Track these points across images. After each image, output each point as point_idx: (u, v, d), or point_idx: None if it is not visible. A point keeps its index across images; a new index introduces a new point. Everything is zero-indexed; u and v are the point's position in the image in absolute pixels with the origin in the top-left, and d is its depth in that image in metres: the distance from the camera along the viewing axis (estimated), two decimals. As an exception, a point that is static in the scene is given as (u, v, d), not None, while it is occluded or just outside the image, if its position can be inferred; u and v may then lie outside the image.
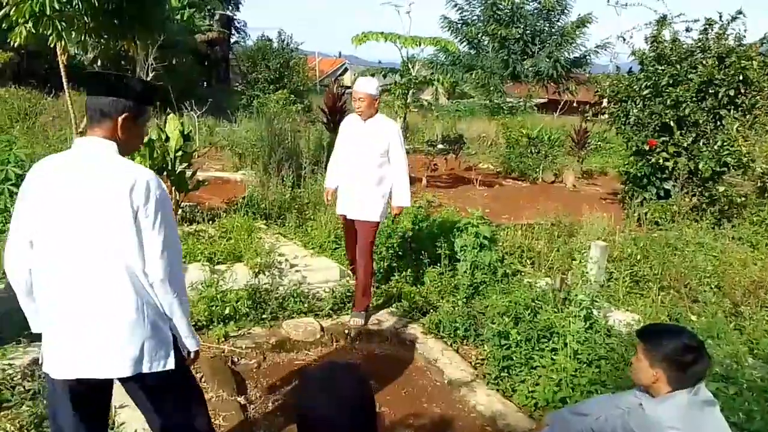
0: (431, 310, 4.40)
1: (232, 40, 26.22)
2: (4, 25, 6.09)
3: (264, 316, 4.12)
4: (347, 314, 4.35)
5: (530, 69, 21.05)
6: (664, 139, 7.81)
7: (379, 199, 4.26)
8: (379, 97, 4.25)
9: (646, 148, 7.90)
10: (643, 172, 8.07)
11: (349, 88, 23.92)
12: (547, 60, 20.77)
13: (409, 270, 4.98)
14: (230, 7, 29.73)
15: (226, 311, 4.01)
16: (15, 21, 5.86)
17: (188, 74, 18.53)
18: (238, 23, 30.38)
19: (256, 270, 4.58)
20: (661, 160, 7.73)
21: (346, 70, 36.17)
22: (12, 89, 12.51)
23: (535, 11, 21.49)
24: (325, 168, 8.32)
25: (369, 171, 4.22)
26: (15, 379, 3.11)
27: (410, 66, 11.35)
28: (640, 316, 4.23)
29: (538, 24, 21.43)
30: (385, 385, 3.54)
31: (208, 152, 10.70)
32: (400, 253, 5.33)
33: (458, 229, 5.24)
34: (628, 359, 3.33)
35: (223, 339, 3.80)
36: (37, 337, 3.37)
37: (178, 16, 18.02)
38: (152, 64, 15.25)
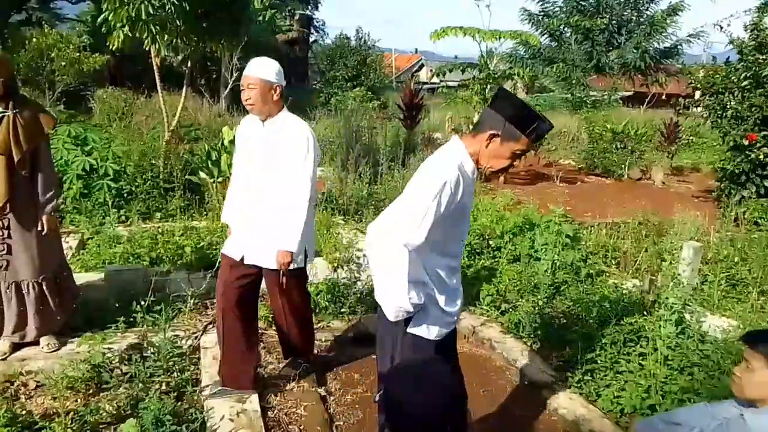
0: (510, 309, 4.31)
1: (311, 39, 26.82)
2: (103, 30, 6.52)
3: (343, 310, 4.18)
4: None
5: (616, 61, 20.19)
6: (765, 133, 7.26)
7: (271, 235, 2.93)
8: (279, 86, 2.87)
9: (745, 142, 7.38)
10: (741, 169, 7.54)
11: (426, 83, 23.90)
12: (635, 51, 19.84)
13: (486, 268, 4.90)
14: (309, 7, 30.44)
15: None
16: (113, 25, 6.26)
17: (271, 73, 19.14)
18: (317, 22, 31.07)
19: (335, 264, 4.66)
20: (761, 156, 7.19)
21: (422, 66, 36.14)
22: (109, 90, 13.37)
23: (622, 0, 20.56)
24: (403, 164, 8.42)
25: (268, 196, 2.92)
26: (113, 362, 3.31)
27: (488, 60, 11.17)
28: (737, 321, 3.95)
29: (624, 13, 20.52)
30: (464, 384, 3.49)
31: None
32: (477, 250, 5.26)
33: (538, 226, 5.11)
34: (725, 367, 3.12)
35: (303, 331, 3.88)
36: (132, 324, 3.61)
37: (261, 17, 18.69)
38: (236, 65, 15.88)
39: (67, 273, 3.57)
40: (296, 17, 24.05)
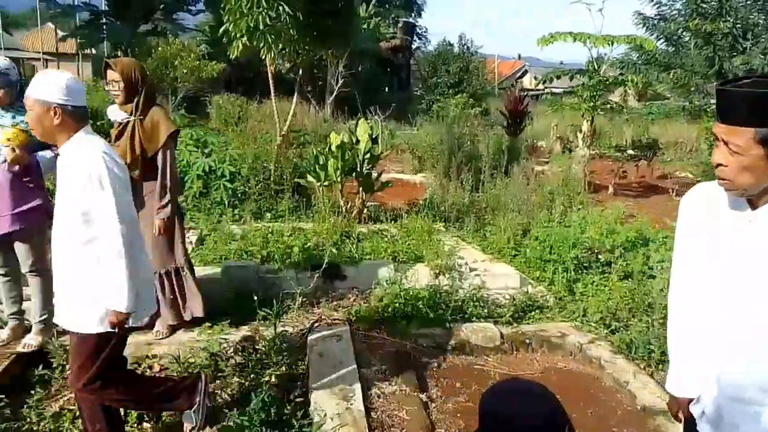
0: (621, 329, 4.10)
1: (413, 46, 27.06)
2: (224, 40, 6.96)
3: (444, 317, 4.16)
4: (528, 323, 4.23)
5: (740, 67, 18.64)
6: None
7: (87, 297, 2.33)
8: (61, 108, 2.26)
9: None
10: None
11: (530, 90, 23.38)
12: (762, 56, 18.24)
13: (596, 283, 4.70)
14: (413, 14, 30.74)
15: (409, 309, 4.13)
16: (233, 36, 6.66)
17: (372, 80, 19.54)
18: (420, 29, 31.29)
19: (437, 271, 4.66)
20: None
21: (525, 72, 35.38)
22: (225, 96, 14.22)
23: (748, 2, 19.00)
24: (505, 173, 8.29)
25: (68, 245, 2.35)
26: (228, 352, 3.51)
27: (597, 66, 10.73)
28: None
29: (751, 17, 18.93)
30: (569, 403, 3.36)
31: (389, 155, 11.17)
32: (585, 264, 5.06)
33: (653, 242, 4.83)
34: None
35: (405, 336, 3.92)
36: (251, 316, 3.80)
37: (365, 26, 19.14)
38: (341, 72, 16.36)
39: (189, 268, 3.78)
40: (399, 24, 24.37)
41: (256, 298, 3.79)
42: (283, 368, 3.44)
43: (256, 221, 6.06)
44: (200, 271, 4.42)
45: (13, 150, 3.20)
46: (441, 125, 10.66)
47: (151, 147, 3.46)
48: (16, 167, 3.27)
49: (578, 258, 5.02)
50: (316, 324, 3.96)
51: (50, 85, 2.27)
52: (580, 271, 4.98)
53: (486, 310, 4.31)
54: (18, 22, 36.84)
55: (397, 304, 4.19)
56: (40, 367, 3.23)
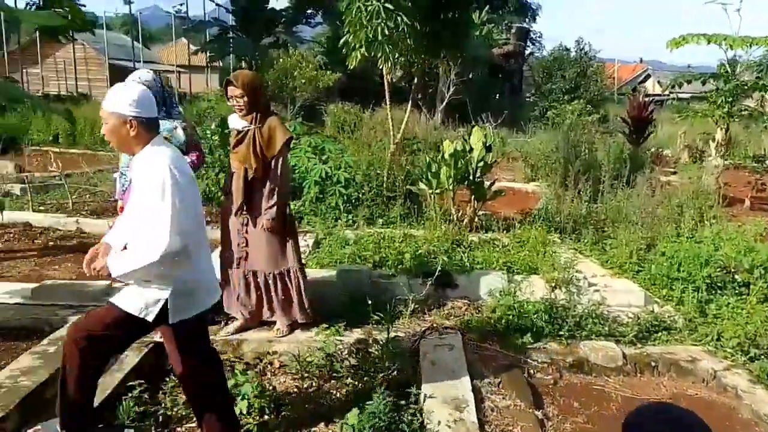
0: (762, 356, 3.72)
1: (527, 52, 26.46)
2: (343, 51, 7.18)
3: (561, 332, 4.00)
4: (653, 344, 3.96)
5: None
6: None
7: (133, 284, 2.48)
8: (135, 120, 2.40)
9: None
10: None
11: (654, 95, 21.99)
12: None
13: (732, 305, 4.30)
14: (527, 19, 30.07)
15: (523, 322, 4.02)
16: (352, 46, 6.86)
17: (483, 87, 19.33)
18: (534, 34, 30.55)
19: (553, 284, 4.50)
20: None
21: (648, 76, 33.35)
22: (339, 105, 14.72)
23: None
24: (627, 183, 7.83)
25: (126, 237, 2.56)
26: (343, 354, 3.60)
27: (732, 69, 9.85)
28: None
29: None
30: (701, 433, 3.11)
31: (500, 163, 10.97)
32: (718, 284, 4.65)
33: (803, 263, 4.35)
34: None
35: (519, 349, 3.82)
36: (364, 319, 3.88)
37: (477, 32, 18.97)
38: (453, 80, 16.36)
39: (299, 272, 3.84)
40: (513, 30, 23.94)
41: (370, 302, 3.88)
42: (395, 373, 3.47)
43: (369, 227, 6.19)
44: (316, 273, 4.60)
45: None
46: (556, 132, 10.31)
47: (270, 153, 3.66)
48: None
49: (711, 277, 4.63)
50: (428, 331, 3.95)
51: (123, 99, 2.40)
52: (713, 292, 4.59)
53: (606, 328, 4.09)
54: (155, 37, 40.67)
55: (510, 316, 4.09)
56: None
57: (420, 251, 5.08)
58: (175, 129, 3.80)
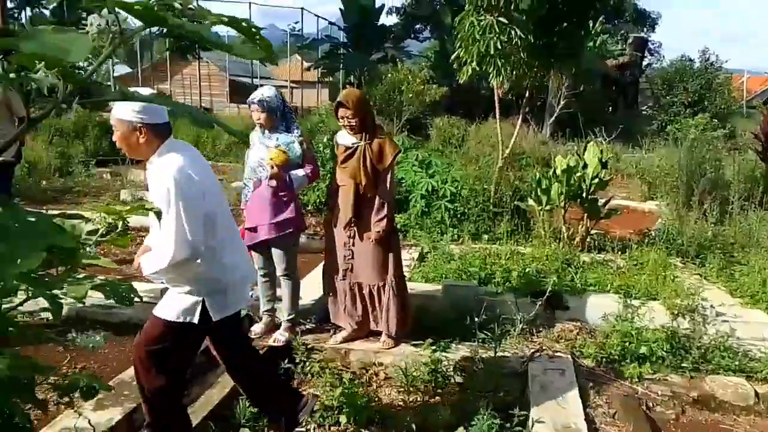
0: None
1: (644, 63, 25.10)
2: (454, 65, 7.19)
3: (683, 364, 3.72)
4: (793, 386, 3.57)
5: None
6: None
7: (173, 289, 2.59)
8: (144, 127, 2.44)
9: None
10: None
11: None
12: None
13: None
14: (645, 29, 28.57)
15: (641, 350, 3.78)
16: (464, 61, 6.85)
17: (596, 100, 18.55)
18: (652, 44, 28.94)
19: (675, 312, 4.19)
20: None
21: (783, 88, 30.43)
22: (445, 119, 14.72)
23: None
24: (760, 204, 7.16)
25: (153, 244, 2.68)
26: (449, 371, 3.57)
27: None
28: None
29: None
30: None
31: (613, 179, 10.44)
32: None
33: None
34: None
35: (636, 379, 3.59)
36: (470, 336, 3.82)
37: (591, 43, 18.27)
38: (563, 93, 15.84)
39: (398, 286, 3.83)
40: (629, 41, 22.80)
41: (477, 319, 3.82)
42: (501, 394, 3.39)
43: (474, 242, 6.11)
44: (422, 287, 4.61)
45: (273, 167, 3.69)
46: (677, 148, 9.64)
47: (381, 166, 3.73)
48: (275, 183, 3.77)
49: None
50: (537, 353, 3.83)
51: (129, 106, 2.41)
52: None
53: (736, 363, 3.75)
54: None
55: (627, 344, 3.85)
56: (286, 361, 3.63)
57: (528, 269, 4.94)
58: (293, 143, 3.98)
